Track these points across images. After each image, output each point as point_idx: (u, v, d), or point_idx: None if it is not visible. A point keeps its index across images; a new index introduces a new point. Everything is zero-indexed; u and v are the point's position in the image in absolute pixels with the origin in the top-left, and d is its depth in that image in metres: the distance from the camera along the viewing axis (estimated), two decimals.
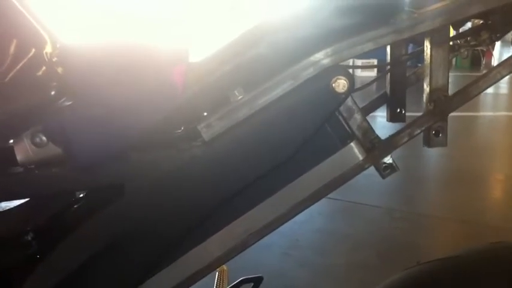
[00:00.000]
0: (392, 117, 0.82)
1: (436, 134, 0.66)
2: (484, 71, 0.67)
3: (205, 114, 0.62)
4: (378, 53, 0.71)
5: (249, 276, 1.00)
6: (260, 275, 1.00)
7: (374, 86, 0.80)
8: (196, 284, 0.68)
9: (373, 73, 5.58)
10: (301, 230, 2.63)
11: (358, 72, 5.66)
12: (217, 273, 1.16)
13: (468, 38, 0.78)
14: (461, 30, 0.78)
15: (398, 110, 0.82)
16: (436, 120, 0.65)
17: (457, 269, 0.75)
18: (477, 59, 9.81)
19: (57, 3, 0.73)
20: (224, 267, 1.19)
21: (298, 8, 0.63)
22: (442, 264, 0.77)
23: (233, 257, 0.67)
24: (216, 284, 1.14)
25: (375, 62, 6.46)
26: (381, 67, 1.01)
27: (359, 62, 6.10)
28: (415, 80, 0.83)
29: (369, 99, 0.85)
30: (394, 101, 0.82)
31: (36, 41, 0.59)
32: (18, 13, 0.58)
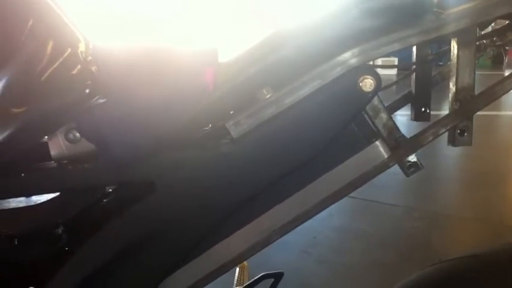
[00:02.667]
0: (417, 117, 0.82)
1: (461, 133, 0.67)
2: (507, 70, 0.68)
3: (233, 112, 0.64)
4: (399, 51, 0.72)
5: (270, 272, 1.01)
6: (281, 270, 1.01)
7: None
8: (217, 279, 0.70)
9: (392, 72, 5.53)
10: (319, 227, 2.64)
11: (378, 71, 5.60)
12: (237, 268, 1.18)
13: (494, 38, 0.78)
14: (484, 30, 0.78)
15: (423, 109, 0.82)
16: (461, 120, 0.66)
17: (479, 267, 0.75)
18: (499, 57, 9.69)
19: (80, 5, 0.75)
20: (245, 263, 1.20)
21: (325, 9, 0.64)
22: (464, 262, 0.77)
23: (256, 253, 0.68)
24: (237, 280, 1.15)
25: (395, 60, 6.41)
26: (406, 66, 1.01)
27: (379, 61, 6.06)
28: (440, 79, 0.84)
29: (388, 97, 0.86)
30: (419, 100, 0.82)
31: (71, 41, 0.60)
32: (55, 14, 0.60)
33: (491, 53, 0.80)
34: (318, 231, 2.61)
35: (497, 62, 9.79)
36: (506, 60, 9.93)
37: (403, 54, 0.82)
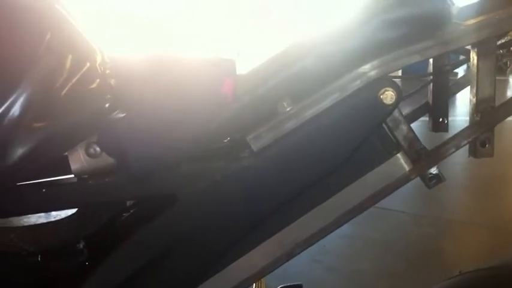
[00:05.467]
0: (435, 127, 0.82)
1: (483, 145, 0.66)
2: (510, 76, 0.67)
3: (253, 125, 0.63)
4: None
5: (288, 284, 1.00)
6: (300, 282, 1.01)
7: None
8: None
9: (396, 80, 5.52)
10: (329, 236, 2.62)
11: None
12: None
13: (511, 48, 0.78)
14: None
15: (441, 120, 0.82)
16: (482, 131, 0.65)
17: (498, 279, 0.74)
18: (503, 63, 9.70)
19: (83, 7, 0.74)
20: None
21: (344, 21, 0.64)
22: (483, 275, 0.77)
23: (278, 267, 0.68)
24: None
25: (399, 72, 6.39)
26: (424, 77, 1.01)
27: None
28: (458, 89, 0.83)
29: None
30: (437, 111, 0.82)
31: (89, 55, 0.60)
32: (71, 27, 0.60)
33: (508, 63, 0.80)
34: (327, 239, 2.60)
35: (501, 68, 9.80)
36: (510, 66, 9.94)
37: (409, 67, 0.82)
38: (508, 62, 9.58)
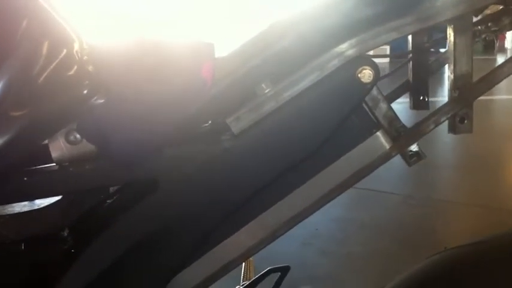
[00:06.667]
0: (416, 105, 0.82)
1: (462, 121, 0.67)
2: (498, 54, 0.68)
3: (233, 108, 0.63)
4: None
5: (276, 266, 1.01)
6: (287, 264, 1.02)
7: None
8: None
9: (385, 60, 5.54)
10: (320, 219, 2.65)
11: None
12: (243, 263, 1.18)
13: (489, 24, 0.78)
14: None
15: (422, 98, 0.82)
16: (461, 107, 0.66)
17: (485, 253, 0.75)
18: (490, 42, 9.72)
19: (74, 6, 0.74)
20: (250, 258, 1.20)
21: (322, 0, 0.64)
22: (470, 249, 0.78)
23: (263, 248, 0.69)
24: (243, 274, 1.15)
25: (387, 49, 6.40)
26: (403, 54, 1.00)
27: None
28: (438, 66, 0.84)
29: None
30: (417, 89, 0.82)
31: (66, 41, 0.60)
32: (48, 14, 0.60)
33: (486, 38, 0.80)
34: (319, 223, 2.62)
35: (488, 47, 9.83)
36: (497, 44, 9.97)
37: (395, 43, 0.82)
38: (495, 40, 9.62)
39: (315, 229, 2.56)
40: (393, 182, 3.23)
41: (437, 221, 2.72)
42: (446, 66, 0.70)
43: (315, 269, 2.21)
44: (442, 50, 0.82)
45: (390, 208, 2.93)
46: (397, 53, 0.98)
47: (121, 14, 0.84)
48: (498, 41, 9.97)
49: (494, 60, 9.03)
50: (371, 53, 0.64)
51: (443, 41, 0.82)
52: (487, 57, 8.73)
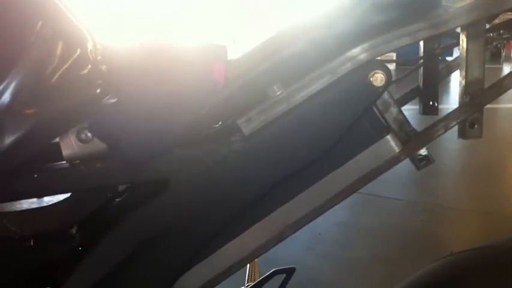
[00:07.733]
0: (425, 110, 0.83)
1: (471, 126, 0.67)
2: (504, 63, 0.68)
3: (244, 109, 0.64)
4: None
5: (281, 268, 1.01)
6: (292, 266, 1.02)
7: None
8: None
9: (391, 67, 5.53)
10: (323, 223, 2.64)
11: None
12: (248, 265, 1.18)
13: (501, 31, 0.78)
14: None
15: (431, 103, 0.82)
16: (471, 113, 0.66)
17: (491, 258, 0.75)
18: (497, 51, 9.70)
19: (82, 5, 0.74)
20: (255, 259, 1.20)
21: (335, 5, 0.64)
22: (476, 254, 0.77)
23: (269, 249, 0.69)
24: (248, 276, 1.15)
25: (393, 56, 6.39)
26: (414, 61, 1.00)
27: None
28: (448, 72, 0.84)
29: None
30: (427, 94, 0.82)
31: (80, 41, 0.60)
32: (63, 14, 0.60)
33: (498, 46, 0.80)
34: (322, 227, 2.62)
35: (496, 55, 9.82)
36: (504, 53, 9.95)
37: (401, 50, 0.82)
38: (502, 49, 9.60)
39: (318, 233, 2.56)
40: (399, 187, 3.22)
41: (442, 227, 2.71)
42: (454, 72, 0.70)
43: (317, 273, 2.21)
44: (449, 58, 0.82)
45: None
46: (404, 59, 0.98)
47: (131, 14, 0.84)
48: (505, 50, 9.95)
49: (500, 69, 9.01)
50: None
51: (453, 47, 0.82)
52: (493, 66, 8.72)
